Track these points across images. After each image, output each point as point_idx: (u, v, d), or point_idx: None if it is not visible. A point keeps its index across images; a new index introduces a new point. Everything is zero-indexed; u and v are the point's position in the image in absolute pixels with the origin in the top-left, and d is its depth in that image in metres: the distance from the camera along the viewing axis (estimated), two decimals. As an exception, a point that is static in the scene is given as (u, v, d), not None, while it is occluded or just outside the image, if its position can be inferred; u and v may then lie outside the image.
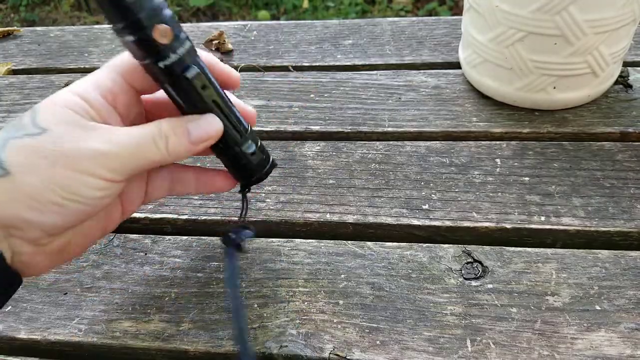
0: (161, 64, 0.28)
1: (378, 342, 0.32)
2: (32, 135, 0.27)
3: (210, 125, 0.31)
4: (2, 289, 0.27)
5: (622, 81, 0.49)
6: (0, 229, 0.27)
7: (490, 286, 0.34)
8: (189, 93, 0.30)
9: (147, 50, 0.27)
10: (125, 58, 0.30)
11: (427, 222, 0.39)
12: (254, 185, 0.36)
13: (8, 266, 0.27)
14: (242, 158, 0.33)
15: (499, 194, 0.40)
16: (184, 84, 0.29)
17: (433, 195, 0.41)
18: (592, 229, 0.37)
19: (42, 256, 0.29)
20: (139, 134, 0.29)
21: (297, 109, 0.50)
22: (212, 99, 0.31)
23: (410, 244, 0.38)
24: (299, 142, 0.47)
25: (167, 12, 0.27)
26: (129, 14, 0.26)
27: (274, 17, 2.03)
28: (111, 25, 0.27)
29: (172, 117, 0.31)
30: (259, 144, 0.34)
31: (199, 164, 0.44)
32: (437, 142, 0.45)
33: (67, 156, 0.27)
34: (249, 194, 0.36)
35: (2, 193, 0.26)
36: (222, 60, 0.59)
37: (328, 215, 0.40)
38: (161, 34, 0.27)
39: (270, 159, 0.35)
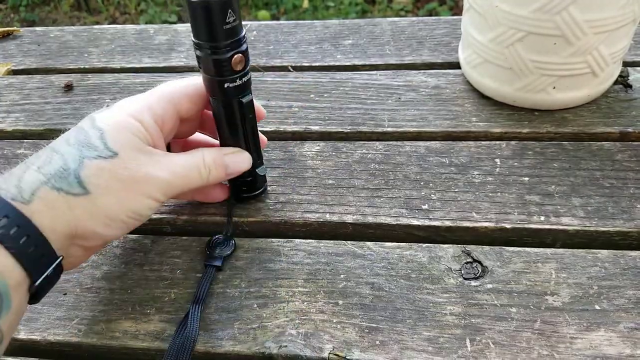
0: (227, 85, 0.33)
1: (377, 342, 0.32)
2: (106, 159, 0.31)
3: (243, 163, 0.37)
4: (51, 285, 0.30)
5: (622, 81, 0.49)
6: (69, 239, 0.30)
7: (489, 286, 0.34)
8: (236, 115, 0.35)
9: (221, 71, 0.32)
10: (177, 87, 0.35)
11: (427, 222, 0.39)
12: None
13: (62, 268, 0.30)
14: (253, 178, 0.39)
15: (499, 194, 0.40)
16: (236, 107, 0.34)
17: (433, 195, 0.41)
18: (592, 228, 0.37)
19: (85, 256, 0.33)
20: (189, 164, 0.34)
21: (296, 109, 0.50)
22: (251, 125, 0.36)
23: (409, 244, 0.38)
24: (298, 142, 0.47)
25: (245, 45, 0.33)
26: (219, 38, 0.31)
27: (273, 17, 2.03)
28: (195, 39, 0.32)
29: (201, 140, 0.38)
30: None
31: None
32: (437, 142, 0.45)
33: (137, 181, 0.31)
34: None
35: (82, 210, 0.30)
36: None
37: (328, 216, 0.40)
38: (238, 62, 0.32)
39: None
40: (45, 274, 0.28)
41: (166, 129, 0.35)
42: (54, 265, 0.29)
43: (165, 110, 0.34)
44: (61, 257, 0.29)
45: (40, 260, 0.28)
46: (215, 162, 0.35)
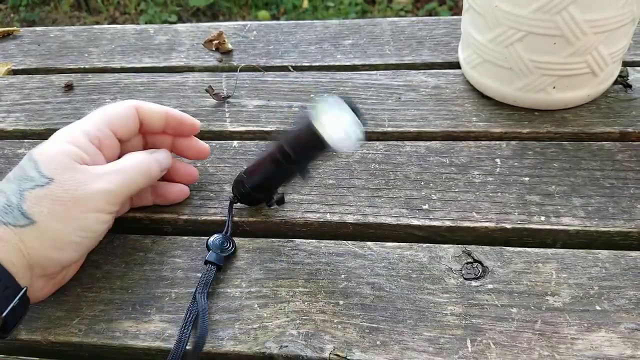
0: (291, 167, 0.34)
1: (378, 342, 0.32)
2: (43, 186, 0.32)
3: (169, 157, 0.39)
4: (19, 318, 0.31)
5: (622, 81, 0.49)
6: (28, 269, 0.31)
7: (490, 286, 0.34)
8: (281, 175, 0.36)
9: (288, 172, 0.35)
10: (112, 111, 0.38)
11: (427, 222, 0.39)
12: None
13: (28, 299, 0.31)
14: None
15: (499, 194, 0.40)
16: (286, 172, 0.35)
17: (433, 195, 0.41)
18: (592, 229, 0.37)
19: (50, 286, 0.34)
20: (126, 167, 0.36)
21: (297, 109, 0.50)
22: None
23: (410, 244, 0.38)
24: (299, 142, 0.47)
25: None
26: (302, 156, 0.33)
27: (273, 17, 2.03)
28: (293, 155, 0.32)
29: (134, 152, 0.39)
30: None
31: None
32: (437, 142, 0.45)
33: (78, 200, 0.32)
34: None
35: (32, 240, 0.31)
36: (221, 60, 0.59)
37: (328, 216, 0.40)
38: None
39: None
40: (11, 305, 0.29)
41: (105, 147, 0.37)
42: (19, 296, 0.30)
43: (100, 131, 0.36)
44: (25, 288, 0.30)
45: (4, 292, 0.29)
46: (148, 158, 0.37)
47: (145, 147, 0.41)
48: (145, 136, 0.41)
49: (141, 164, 0.37)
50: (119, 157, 0.38)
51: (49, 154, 0.34)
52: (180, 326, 0.33)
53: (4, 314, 0.29)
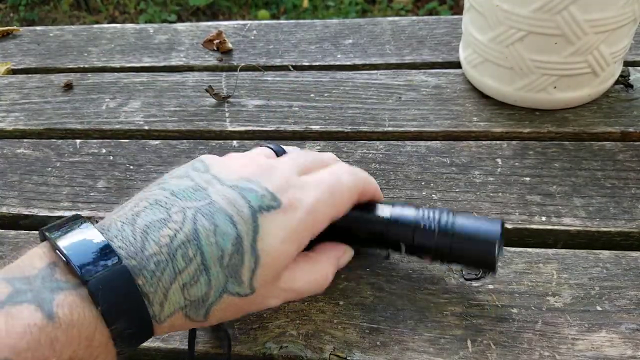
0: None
1: (378, 342, 0.32)
2: (242, 296, 0.28)
3: (349, 259, 0.34)
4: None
5: (623, 81, 0.49)
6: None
7: (490, 287, 0.34)
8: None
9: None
10: (339, 209, 0.31)
11: (428, 222, 0.38)
12: None
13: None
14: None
15: (500, 194, 0.40)
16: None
17: (434, 195, 0.40)
18: (593, 229, 0.37)
19: None
20: (312, 283, 0.31)
21: (297, 108, 0.50)
22: None
23: (410, 244, 0.37)
24: (299, 141, 0.47)
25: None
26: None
27: (273, 17, 2.03)
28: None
29: None
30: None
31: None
32: (438, 141, 0.45)
33: (252, 308, 0.29)
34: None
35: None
36: (221, 60, 0.59)
37: (328, 216, 0.40)
38: None
39: None
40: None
41: None
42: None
43: (320, 229, 0.30)
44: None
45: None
46: (333, 274, 0.32)
47: None
48: None
49: (329, 279, 0.32)
50: None
51: (273, 259, 0.28)
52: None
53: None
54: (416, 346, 0.32)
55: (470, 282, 0.35)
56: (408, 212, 0.32)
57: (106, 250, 0.24)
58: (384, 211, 0.32)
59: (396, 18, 0.63)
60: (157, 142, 0.48)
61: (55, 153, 0.48)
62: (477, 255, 0.31)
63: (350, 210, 0.32)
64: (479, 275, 0.35)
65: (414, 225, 0.31)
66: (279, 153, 0.35)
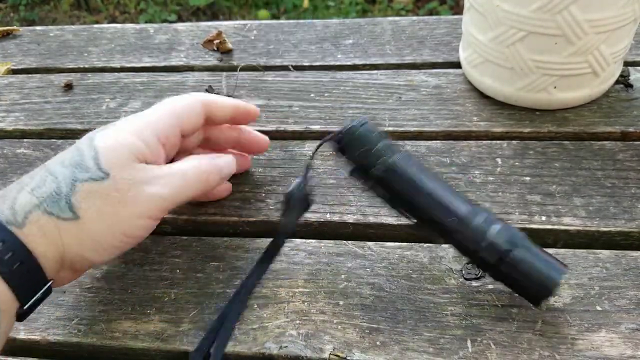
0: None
1: (378, 342, 0.32)
2: (97, 181, 0.30)
3: (233, 164, 0.37)
4: (37, 306, 0.30)
5: (623, 81, 0.49)
6: (59, 264, 0.29)
7: (490, 286, 0.34)
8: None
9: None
10: (181, 107, 0.35)
11: (428, 222, 0.38)
12: (254, 185, 0.39)
13: (50, 290, 0.30)
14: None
15: (500, 193, 0.40)
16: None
17: (433, 195, 0.40)
18: (593, 229, 0.37)
19: (72, 277, 0.33)
20: (187, 173, 0.33)
21: (297, 108, 0.50)
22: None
23: (410, 244, 0.37)
24: (299, 141, 0.47)
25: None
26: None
27: (273, 17, 2.03)
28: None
29: (196, 153, 0.37)
30: None
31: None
32: (438, 141, 0.45)
33: (129, 203, 0.30)
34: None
35: (71, 236, 0.29)
36: (221, 60, 0.59)
37: (328, 215, 0.40)
38: None
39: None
40: (35, 298, 0.28)
41: (169, 145, 0.35)
42: (43, 290, 0.29)
43: (171, 126, 0.34)
44: (51, 281, 0.29)
45: (31, 285, 0.28)
46: (213, 165, 0.35)
47: (205, 139, 0.40)
48: (205, 129, 0.39)
49: (202, 171, 0.34)
50: (176, 155, 0.36)
51: (111, 145, 0.31)
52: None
53: (26, 307, 0.28)
54: (416, 346, 0.32)
55: (470, 282, 0.35)
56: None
57: None
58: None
59: (396, 18, 0.63)
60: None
61: (55, 153, 0.48)
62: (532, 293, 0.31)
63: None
64: (478, 275, 0.35)
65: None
66: None
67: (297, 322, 0.33)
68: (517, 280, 0.31)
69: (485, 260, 0.31)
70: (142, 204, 0.31)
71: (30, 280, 0.28)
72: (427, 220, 0.32)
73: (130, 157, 0.31)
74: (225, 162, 0.36)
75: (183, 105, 0.35)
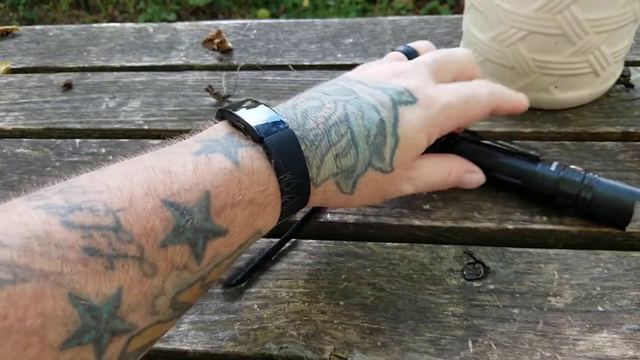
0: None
1: (379, 343, 0.32)
2: (383, 173, 0.32)
3: (477, 183, 0.38)
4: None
5: (624, 81, 0.49)
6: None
7: (491, 287, 0.34)
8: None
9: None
10: (480, 111, 0.35)
11: (429, 222, 0.38)
12: None
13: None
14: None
15: (501, 193, 0.40)
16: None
17: (434, 195, 0.40)
18: (594, 229, 0.37)
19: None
20: (436, 178, 0.36)
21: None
22: None
23: (411, 244, 0.37)
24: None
25: None
26: None
27: (273, 16, 2.03)
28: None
29: None
30: None
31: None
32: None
33: (385, 192, 0.33)
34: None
35: (335, 200, 0.32)
36: (221, 59, 0.59)
37: (328, 216, 0.40)
38: None
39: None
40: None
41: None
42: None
43: (454, 126, 0.35)
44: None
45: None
46: (457, 177, 0.37)
47: None
48: None
49: (448, 183, 0.37)
50: None
51: (409, 144, 0.32)
52: None
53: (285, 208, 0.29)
54: (417, 347, 0.32)
55: (471, 282, 0.35)
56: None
57: (276, 121, 0.29)
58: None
59: (397, 17, 0.63)
60: (157, 141, 0.48)
61: (54, 153, 0.48)
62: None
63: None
64: (479, 276, 0.35)
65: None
66: (410, 54, 0.39)
67: (298, 322, 0.33)
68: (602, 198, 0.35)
69: (567, 193, 0.36)
70: (392, 194, 0.34)
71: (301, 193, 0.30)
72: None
73: (414, 158, 0.33)
74: (476, 181, 0.38)
75: (479, 109, 0.35)
